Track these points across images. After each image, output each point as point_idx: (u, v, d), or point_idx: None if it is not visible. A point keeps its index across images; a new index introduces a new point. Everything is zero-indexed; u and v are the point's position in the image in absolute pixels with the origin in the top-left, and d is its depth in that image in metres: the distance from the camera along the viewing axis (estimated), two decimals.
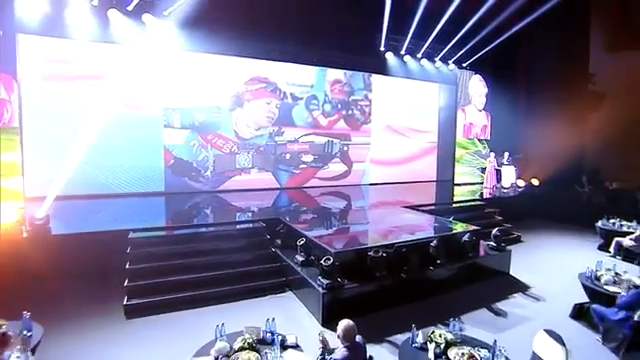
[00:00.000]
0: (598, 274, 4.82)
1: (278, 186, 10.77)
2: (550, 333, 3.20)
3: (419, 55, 12.68)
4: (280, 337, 3.05)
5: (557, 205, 11.45)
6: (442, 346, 2.96)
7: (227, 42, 9.26)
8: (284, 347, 3.02)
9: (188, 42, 8.93)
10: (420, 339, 3.13)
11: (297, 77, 10.92)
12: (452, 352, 2.90)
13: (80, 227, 6.10)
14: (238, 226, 6.79)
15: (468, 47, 12.64)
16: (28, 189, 7.39)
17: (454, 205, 9.72)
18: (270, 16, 9.32)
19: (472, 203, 10.17)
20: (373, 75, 12.29)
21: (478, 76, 14.18)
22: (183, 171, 9.48)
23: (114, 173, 8.71)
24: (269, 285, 5.55)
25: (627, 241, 7.09)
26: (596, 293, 4.62)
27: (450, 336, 3.07)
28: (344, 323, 2.78)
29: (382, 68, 12.23)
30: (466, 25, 11.60)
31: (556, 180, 12.82)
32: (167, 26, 8.70)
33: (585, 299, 4.91)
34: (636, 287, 4.31)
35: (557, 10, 11.31)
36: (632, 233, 7.26)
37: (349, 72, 11.79)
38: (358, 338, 2.81)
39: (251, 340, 2.91)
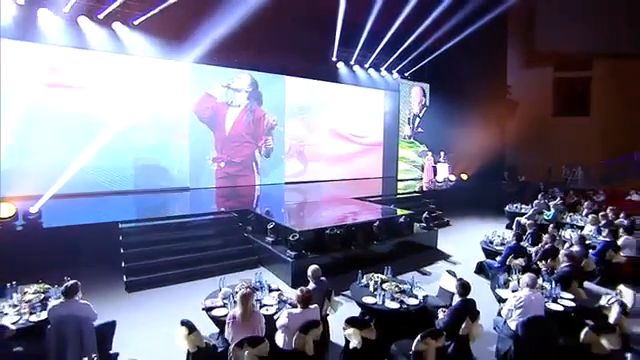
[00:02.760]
0: (491, 239, 6.60)
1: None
2: (449, 272, 4.75)
3: (367, 65, 14.36)
4: (267, 284, 4.28)
5: (481, 195, 13.66)
6: (378, 282, 4.36)
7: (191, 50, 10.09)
8: (270, 290, 4.25)
9: (156, 49, 9.66)
10: (364, 280, 4.52)
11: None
12: (385, 285, 4.31)
13: (71, 221, 6.75)
14: (215, 216, 7.80)
15: (409, 59, 14.55)
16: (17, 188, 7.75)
17: (397, 197, 11.44)
18: (233, 27, 10.27)
19: (412, 195, 11.98)
20: (325, 82, 13.68)
21: (418, 84, 16.21)
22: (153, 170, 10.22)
23: (100, 173, 9.32)
24: (244, 262, 6.69)
25: (523, 220, 9.12)
26: (488, 251, 6.39)
27: (383, 277, 4.49)
28: (312, 267, 4.08)
29: (334, 76, 13.73)
30: (407, 40, 13.43)
31: (481, 175, 15.17)
32: (136, 34, 9.39)
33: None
34: (508, 243, 6.07)
35: (482, 33, 13.53)
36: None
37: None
38: (322, 278, 4.11)
39: (247, 285, 4.09)
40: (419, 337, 3.19)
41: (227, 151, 11.60)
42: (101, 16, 9.04)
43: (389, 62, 14.53)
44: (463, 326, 3.57)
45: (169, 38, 9.72)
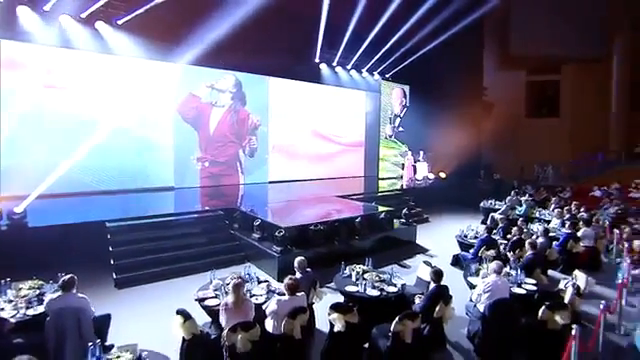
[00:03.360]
0: (466, 233, 7.05)
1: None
2: (426, 262, 5.12)
3: (349, 66, 14.73)
4: (255, 276, 4.53)
5: (458, 193, 14.26)
6: (360, 273, 4.68)
7: (179, 51, 10.18)
8: (259, 282, 4.50)
9: (141, 50, 9.70)
10: (347, 271, 4.83)
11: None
12: (366, 275, 4.63)
13: (57, 220, 6.78)
14: (201, 214, 7.96)
15: (390, 61, 15.01)
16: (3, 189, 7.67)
17: (378, 194, 11.85)
18: (217, 28, 10.40)
19: (392, 193, 12.42)
20: (308, 83, 13.95)
21: (398, 86, 16.70)
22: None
23: (85, 172, 9.31)
24: (231, 258, 6.89)
25: (497, 215, 9.70)
26: (463, 244, 6.84)
27: (365, 267, 4.82)
28: (298, 258, 4.36)
29: (317, 77, 14.03)
30: (388, 43, 13.89)
31: (458, 173, 15.81)
32: (120, 34, 9.41)
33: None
34: (480, 236, 6.53)
35: (459, 36, 14.13)
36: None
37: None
38: (308, 269, 4.40)
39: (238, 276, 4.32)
40: (397, 319, 3.52)
41: (211, 151, 11.72)
42: (84, 15, 9.02)
43: (370, 64, 14.96)
44: (437, 309, 3.94)
45: (153, 39, 9.76)
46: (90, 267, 5.95)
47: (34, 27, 8.40)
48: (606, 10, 16.90)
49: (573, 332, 3.19)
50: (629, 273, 5.49)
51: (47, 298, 3.62)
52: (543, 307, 3.88)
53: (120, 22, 9.40)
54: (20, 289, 3.96)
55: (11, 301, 3.81)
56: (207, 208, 8.73)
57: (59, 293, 3.55)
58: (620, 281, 4.81)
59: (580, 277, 4.73)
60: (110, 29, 9.39)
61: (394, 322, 3.52)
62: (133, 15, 9.19)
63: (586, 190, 13.69)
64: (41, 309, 3.68)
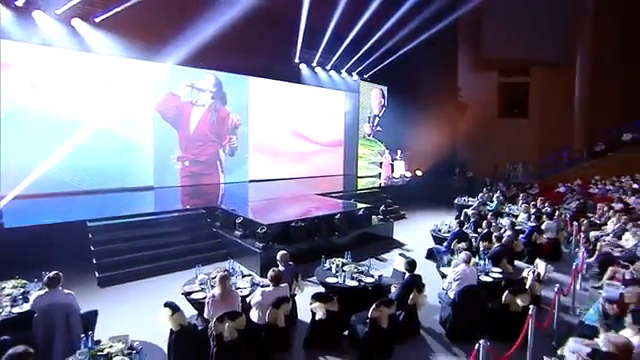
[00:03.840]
0: (439, 227, 7.45)
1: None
2: (401, 255, 5.44)
3: (328, 67, 14.98)
4: (240, 270, 4.70)
5: (434, 190, 14.79)
6: (340, 265, 4.93)
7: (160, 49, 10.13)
8: (243, 276, 4.68)
9: (119, 48, 9.61)
10: (327, 264, 5.07)
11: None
12: (345, 267, 4.89)
13: (35, 220, 6.69)
14: (183, 213, 8.02)
15: (368, 62, 15.37)
16: None
17: (357, 192, 12.17)
18: (196, 27, 10.42)
19: (371, 190, 12.77)
20: (288, 83, 14.11)
21: (377, 86, 17.11)
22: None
23: (63, 172, 9.15)
24: (214, 256, 7.00)
25: (469, 211, 10.19)
26: (437, 238, 7.22)
27: (344, 260, 5.08)
28: (281, 252, 4.57)
29: (297, 77, 14.21)
30: (367, 44, 14.23)
31: (434, 171, 16.37)
32: (98, 32, 9.28)
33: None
34: (452, 230, 6.94)
35: (435, 39, 14.64)
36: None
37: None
38: (290, 262, 4.61)
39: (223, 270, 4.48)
40: (374, 305, 3.79)
41: (192, 150, 11.71)
42: (59, 12, 8.86)
43: (349, 64, 15.26)
44: (411, 297, 4.24)
45: (132, 37, 9.65)
46: (72, 266, 5.89)
47: (7, 23, 8.19)
48: (570, 19, 17.88)
49: (530, 312, 3.55)
50: (583, 261, 6.00)
51: (33, 295, 3.67)
52: (506, 292, 4.25)
53: (98, 20, 9.28)
54: (3, 288, 3.99)
55: None
56: (188, 207, 8.79)
57: (45, 290, 3.62)
58: (574, 267, 5.26)
59: (540, 265, 5.17)
60: (87, 27, 9.26)
61: (371, 309, 3.79)
62: (111, 13, 9.09)
63: (552, 187, 14.50)
64: (27, 307, 3.74)
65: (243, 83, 12.89)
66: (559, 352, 3.57)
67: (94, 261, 6.00)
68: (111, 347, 2.89)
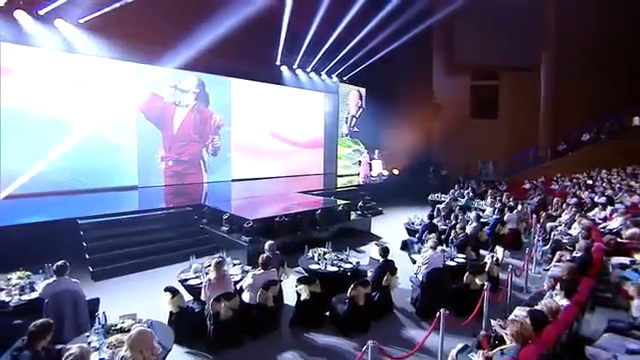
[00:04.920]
0: (413, 221, 8.10)
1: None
2: (376, 243, 6.01)
3: (308, 69, 15.48)
4: (230, 259, 5.14)
5: (410, 187, 15.54)
6: (321, 254, 5.44)
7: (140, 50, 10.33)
8: (233, 265, 5.12)
9: (103, 49, 9.75)
10: (310, 254, 5.58)
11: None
12: (326, 255, 5.41)
13: (28, 219, 6.88)
14: (171, 210, 8.33)
15: (347, 65, 15.97)
16: None
17: (337, 190, 12.73)
18: (179, 29, 10.68)
19: (350, 188, 13.37)
20: (270, 85, 14.51)
21: (355, 88, 17.74)
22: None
23: (48, 173, 9.24)
24: (202, 250, 7.32)
25: (441, 206, 10.94)
26: (410, 230, 7.86)
27: (325, 249, 5.60)
28: (268, 242, 5.04)
29: (278, 79, 14.64)
30: (346, 48, 14.82)
31: (410, 169, 17.16)
32: (80, 33, 9.40)
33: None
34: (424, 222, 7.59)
35: (412, 43, 15.38)
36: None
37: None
38: (277, 251, 5.09)
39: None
40: (352, 285, 4.33)
41: (175, 150, 11.94)
42: (42, 12, 8.94)
43: (329, 67, 15.82)
44: (385, 279, 4.80)
45: (116, 39, 9.83)
46: (67, 261, 6.20)
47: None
48: (535, 27, 19.10)
49: (485, 287, 4.18)
50: (537, 247, 6.77)
51: (43, 284, 3.98)
52: (467, 273, 4.89)
53: (81, 21, 9.41)
54: (10, 279, 4.27)
55: (2, 289, 4.13)
56: (176, 205, 9.08)
57: (54, 278, 3.95)
58: (527, 252, 5.99)
59: (499, 251, 5.86)
60: (70, 27, 9.36)
61: (350, 288, 4.32)
62: (96, 15, 9.25)
63: (519, 183, 15.56)
64: (34, 295, 4.06)
65: (226, 84, 13.21)
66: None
67: (87, 256, 6.27)
68: (123, 323, 3.28)
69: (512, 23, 18.77)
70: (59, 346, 2.93)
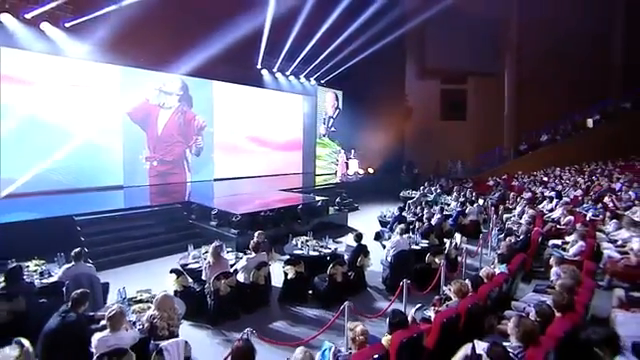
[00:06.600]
0: (385, 214, 9.00)
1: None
2: (352, 232, 6.81)
3: (288, 73, 16.18)
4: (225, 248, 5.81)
5: (383, 185, 16.51)
6: (304, 241, 6.20)
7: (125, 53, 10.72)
8: (227, 252, 5.79)
9: (88, 52, 10.10)
10: (293, 242, 6.33)
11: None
12: (309, 243, 6.17)
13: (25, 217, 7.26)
14: (161, 207, 8.85)
15: (325, 69, 16.77)
16: None
17: (315, 188, 13.52)
18: (165, 34, 11.14)
19: (328, 186, 14.19)
20: (251, 87, 15.12)
21: (331, 90, 18.60)
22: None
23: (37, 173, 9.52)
24: (193, 242, 7.86)
25: (411, 202, 11.95)
26: (382, 222, 8.76)
27: (307, 238, 6.37)
28: (257, 232, 5.75)
29: (259, 82, 15.27)
30: (324, 53, 15.61)
31: (384, 168, 18.18)
32: (66, 36, 9.69)
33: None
34: (395, 215, 8.51)
35: (385, 49, 16.35)
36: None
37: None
38: (265, 240, 5.80)
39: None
40: (331, 265, 5.11)
41: (159, 150, 12.36)
42: (28, 16, 9.19)
43: (307, 71, 16.58)
44: (359, 260, 5.61)
45: (103, 42, 10.15)
46: (67, 255, 6.66)
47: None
48: (499, 34, 20.64)
49: (441, 264, 5.06)
50: (490, 234, 7.81)
51: (62, 268, 4.52)
52: (428, 254, 5.78)
53: (68, 25, 9.71)
54: (28, 266, 4.79)
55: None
56: (165, 202, 9.58)
57: (72, 263, 4.52)
58: (481, 237, 6.99)
59: (457, 237, 6.81)
60: (56, 30, 9.62)
61: (329, 267, 5.11)
62: (82, 19, 9.58)
63: (484, 180, 16.87)
64: (53, 279, 4.60)
65: (208, 87, 13.72)
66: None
67: (85, 250, 6.72)
68: (142, 295, 3.92)
69: (479, 31, 20.19)
70: (91, 313, 3.55)
